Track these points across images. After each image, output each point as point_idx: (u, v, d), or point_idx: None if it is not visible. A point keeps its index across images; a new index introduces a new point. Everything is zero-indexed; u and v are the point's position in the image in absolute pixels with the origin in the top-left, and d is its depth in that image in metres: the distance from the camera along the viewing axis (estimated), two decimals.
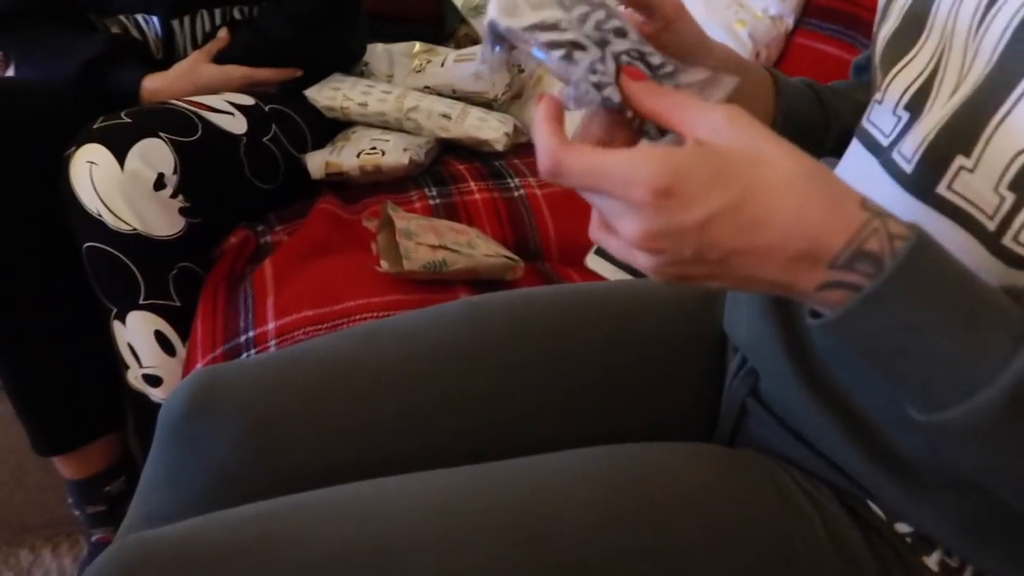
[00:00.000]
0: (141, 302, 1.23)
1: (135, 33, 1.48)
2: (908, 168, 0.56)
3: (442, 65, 1.67)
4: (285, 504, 0.62)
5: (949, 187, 0.53)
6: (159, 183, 1.21)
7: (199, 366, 1.13)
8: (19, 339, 1.30)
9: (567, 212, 1.35)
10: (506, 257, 1.18)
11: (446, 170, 1.49)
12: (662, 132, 0.50)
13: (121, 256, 1.20)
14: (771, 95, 0.71)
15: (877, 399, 0.60)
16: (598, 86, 0.50)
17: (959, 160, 0.52)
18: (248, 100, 1.43)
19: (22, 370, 1.32)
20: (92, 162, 1.17)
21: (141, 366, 1.27)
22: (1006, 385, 0.42)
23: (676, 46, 0.60)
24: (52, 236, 1.25)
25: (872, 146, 0.61)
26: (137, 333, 1.25)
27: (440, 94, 1.63)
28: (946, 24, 0.57)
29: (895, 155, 0.58)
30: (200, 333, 1.19)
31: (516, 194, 1.39)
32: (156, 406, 1.27)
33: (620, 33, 0.51)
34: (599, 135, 0.52)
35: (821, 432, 0.65)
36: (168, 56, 1.49)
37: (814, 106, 0.74)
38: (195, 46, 1.49)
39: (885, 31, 0.64)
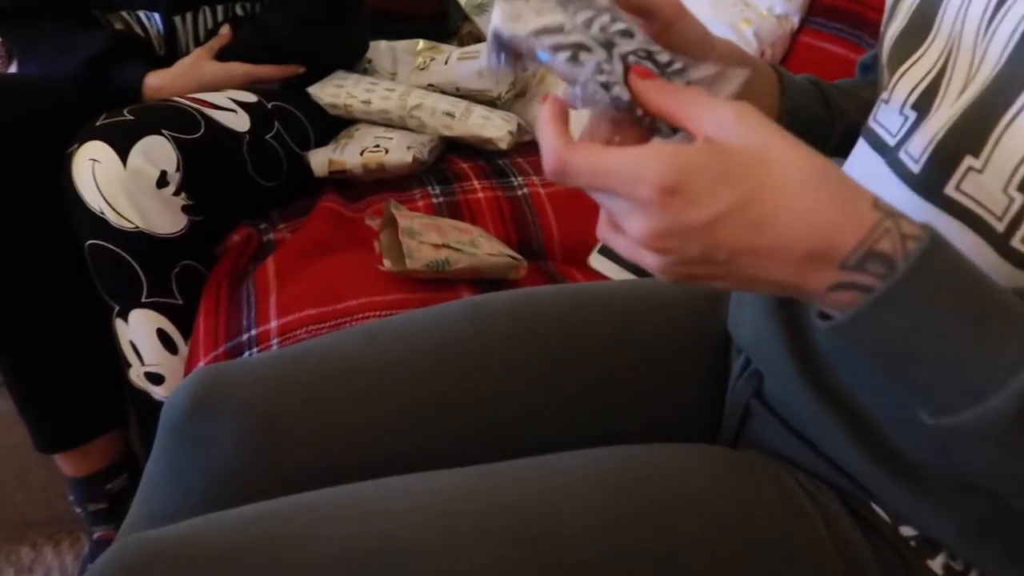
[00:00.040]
0: (143, 300, 1.23)
1: (138, 29, 1.48)
2: (915, 168, 0.56)
3: (446, 63, 1.67)
4: (287, 504, 0.62)
5: (957, 188, 0.53)
6: (162, 181, 1.20)
7: (201, 364, 1.13)
8: (21, 336, 1.30)
9: (571, 211, 1.34)
10: (509, 256, 1.18)
11: (449, 168, 1.49)
12: (674, 130, 0.50)
13: (123, 254, 1.20)
14: (776, 92, 0.70)
15: (883, 400, 0.60)
16: (606, 86, 0.50)
17: (968, 160, 0.52)
18: (251, 97, 1.42)
19: (24, 367, 1.32)
20: (95, 159, 1.17)
21: (143, 364, 1.27)
22: (1018, 390, 0.42)
23: (679, 46, 0.60)
24: (54, 233, 1.25)
25: (878, 146, 0.61)
26: (139, 331, 1.24)
27: (444, 92, 1.63)
28: (954, 24, 0.57)
29: (902, 155, 0.58)
30: (202, 331, 1.19)
31: (520, 193, 1.39)
32: (158, 404, 1.27)
33: (626, 34, 0.50)
34: (608, 134, 0.51)
35: (825, 433, 0.65)
36: (171, 53, 1.49)
37: (819, 103, 0.73)
38: (197, 43, 1.49)
39: (892, 30, 0.63)
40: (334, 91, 1.55)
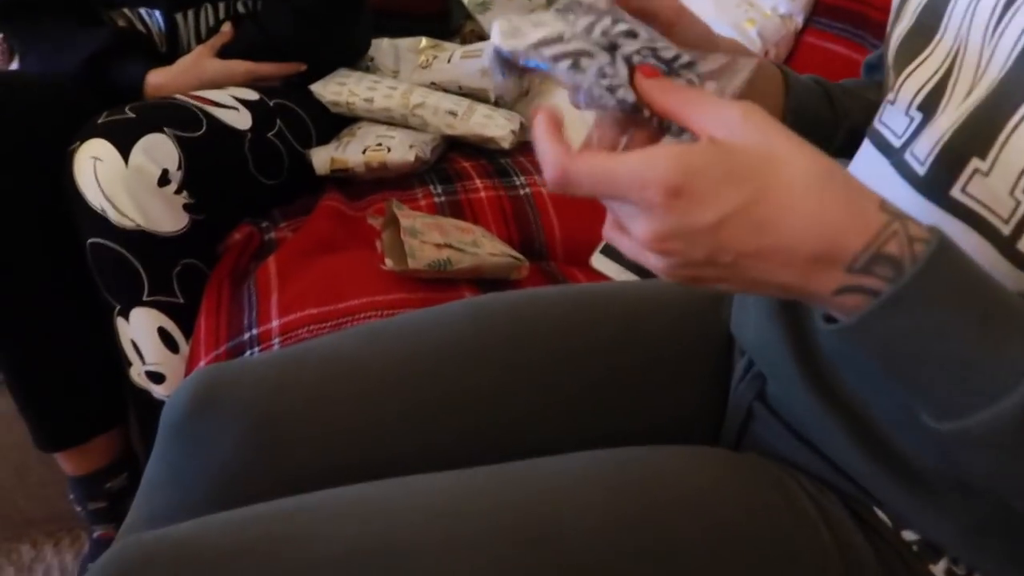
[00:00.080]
0: (145, 299, 1.23)
1: (139, 27, 1.47)
2: (921, 170, 0.55)
3: (448, 61, 1.66)
4: (287, 505, 0.62)
5: (963, 190, 0.52)
6: (163, 179, 1.20)
7: (202, 364, 1.13)
8: (21, 334, 1.30)
9: (573, 211, 1.34)
10: (511, 256, 1.18)
11: (452, 167, 1.48)
12: (683, 129, 0.49)
13: (125, 252, 1.19)
14: (780, 91, 0.70)
15: (886, 403, 0.60)
16: (611, 89, 0.49)
17: (974, 162, 0.51)
18: (253, 95, 1.42)
19: (24, 365, 1.32)
20: (96, 157, 1.17)
21: (144, 363, 1.26)
22: None
23: (681, 45, 0.59)
24: (55, 231, 1.25)
25: (884, 147, 0.61)
26: (140, 330, 1.24)
27: (446, 90, 1.63)
28: (961, 25, 0.56)
29: (907, 156, 0.57)
30: (204, 330, 1.19)
31: (522, 192, 1.39)
32: (159, 403, 1.27)
33: (630, 35, 0.50)
34: (616, 136, 0.51)
35: (828, 436, 0.65)
36: (172, 50, 1.48)
37: (824, 103, 0.73)
38: (199, 40, 1.48)
39: (899, 31, 0.63)
40: (336, 89, 1.55)
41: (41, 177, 1.23)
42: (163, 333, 1.25)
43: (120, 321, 1.24)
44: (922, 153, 0.56)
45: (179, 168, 1.22)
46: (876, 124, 0.63)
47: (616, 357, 0.79)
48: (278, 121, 1.43)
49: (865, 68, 0.81)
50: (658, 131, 0.51)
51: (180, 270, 1.25)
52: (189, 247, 1.26)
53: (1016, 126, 0.49)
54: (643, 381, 0.79)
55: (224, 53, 1.46)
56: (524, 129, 1.56)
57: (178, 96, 1.34)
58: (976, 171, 0.51)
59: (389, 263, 1.14)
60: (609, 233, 0.49)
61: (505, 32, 0.51)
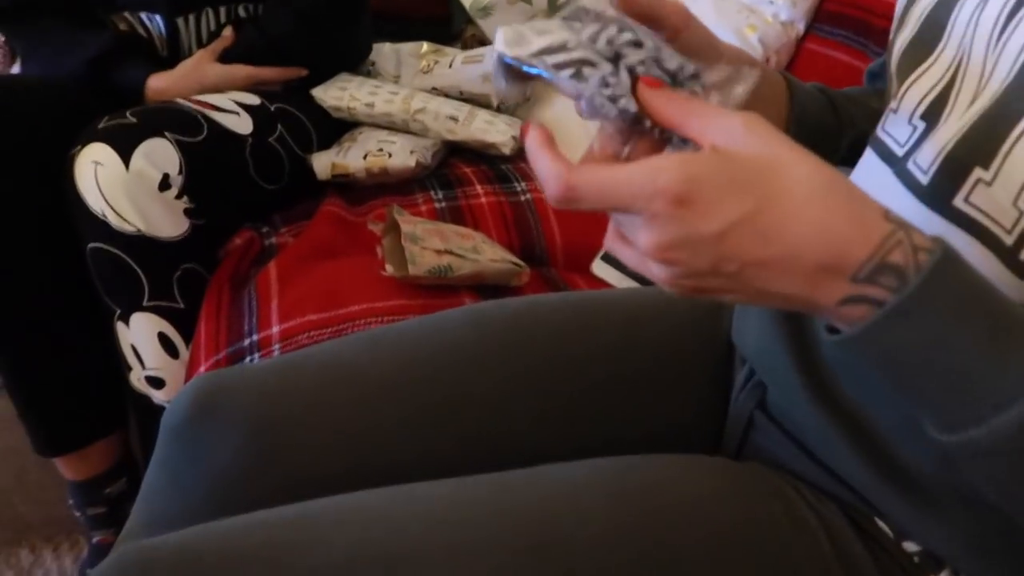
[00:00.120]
0: (145, 304, 1.23)
1: (141, 31, 1.48)
2: (924, 179, 0.55)
3: (450, 66, 1.66)
4: (288, 512, 0.62)
5: (966, 199, 0.52)
6: (164, 183, 1.20)
7: (202, 369, 1.13)
8: (21, 338, 1.30)
9: (574, 217, 1.34)
10: (512, 263, 1.18)
11: (452, 173, 1.48)
12: (685, 140, 0.49)
13: (125, 257, 1.19)
14: (784, 99, 0.70)
15: (889, 413, 0.60)
16: (613, 98, 0.49)
17: (977, 172, 0.51)
18: (254, 99, 1.42)
19: (24, 369, 1.32)
20: (97, 162, 1.17)
21: (144, 368, 1.26)
22: None
23: (686, 53, 0.59)
24: (55, 235, 1.25)
25: (886, 156, 0.61)
26: (140, 335, 1.24)
27: (447, 95, 1.63)
28: (965, 34, 0.56)
29: (910, 165, 0.57)
30: (204, 336, 1.18)
31: (523, 198, 1.39)
32: (159, 408, 1.27)
33: (635, 44, 0.50)
34: (619, 146, 0.51)
35: (829, 446, 0.65)
36: (173, 54, 1.49)
37: (827, 111, 0.73)
38: (200, 45, 1.49)
39: (902, 39, 0.63)
40: (337, 94, 1.55)
41: (42, 181, 1.23)
42: (163, 338, 1.25)
43: (120, 326, 1.24)
44: (925, 162, 0.55)
45: (180, 173, 1.22)
46: (879, 132, 0.63)
47: (616, 364, 0.78)
48: (279, 126, 1.43)
49: (868, 76, 0.81)
50: (659, 142, 0.51)
51: (180, 275, 1.25)
52: (189, 252, 1.26)
53: (1020, 136, 0.49)
54: (643, 389, 0.78)
55: (225, 57, 1.46)
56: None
57: (179, 100, 1.34)
58: (979, 181, 0.51)
59: (389, 269, 1.14)
60: (611, 244, 0.49)
61: (509, 39, 0.51)
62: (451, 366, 0.76)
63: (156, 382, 1.27)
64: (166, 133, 1.22)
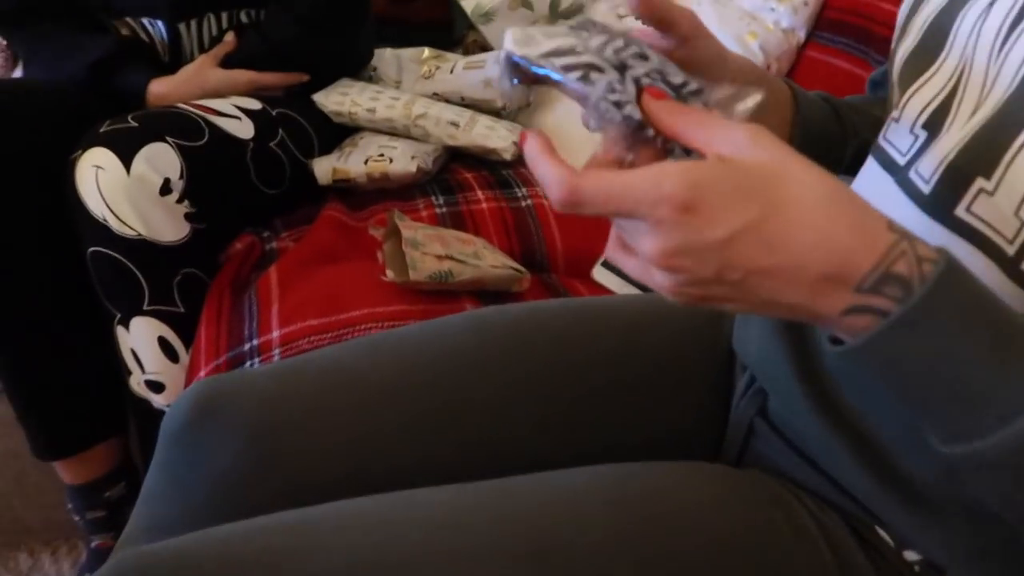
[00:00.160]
0: (145, 308, 1.22)
1: (143, 36, 1.48)
2: (926, 188, 0.55)
3: (451, 72, 1.67)
4: (287, 518, 0.62)
5: (968, 209, 0.52)
6: (165, 188, 1.20)
7: (202, 374, 1.13)
8: (21, 342, 1.30)
9: (574, 223, 1.34)
10: (512, 268, 1.18)
11: (453, 178, 1.49)
12: (687, 151, 0.49)
13: (126, 261, 1.19)
14: (789, 107, 0.70)
15: (891, 422, 0.59)
16: (618, 104, 0.49)
17: (979, 182, 0.51)
18: (255, 104, 1.42)
19: (24, 373, 1.32)
20: (98, 166, 1.17)
21: (144, 372, 1.26)
22: None
23: (694, 61, 0.59)
24: (56, 238, 1.25)
25: (888, 164, 0.61)
26: (140, 339, 1.24)
27: (449, 101, 1.63)
28: (967, 44, 0.56)
29: (912, 175, 0.57)
30: (204, 340, 1.18)
31: (523, 204, 1.39)
32: (158, 412, 1.27)
33: (640, 57, 0.50)
34: (621, 154, 0.51)
35: (830, 455, 0.64)
36: (175, 60, 1.48)
37: (832, 120, 0.73)
38: (202, 50, 1.49)
39: (904, 49, 0.63)
40: (339, 99, 1.55)
41: (43, 184, 1.23)
42: (163, 342, 1.25)
43: (120, 330, 1.24)
44: (927, 172, 0.55)
45: (181, 177, 1.22)
46: (880, 141, 0.63)
47: (617, 371, 0.78)
48: (280, 131, 1.43)
49: (870, 84, 0.81)
50: (662, 152, 0.51)
51: (181, 279, 1.25)
52: (190, 256, 1.26)
53: (1022, 146, 0.49)
54: (644, 395, 0.78)
55: (227, 62, 1.46)
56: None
57: (180, 105, 1.34)
58: (981, 191, 0.51)
59: (390, 274, 1.14)
60: (613, 254, 0.49)
61: (518, 39, 0.51)
62: (452, 372, 0.76)
63: (156, 386, 1.27)
64: (167, 137, 1.22)
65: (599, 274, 1.26)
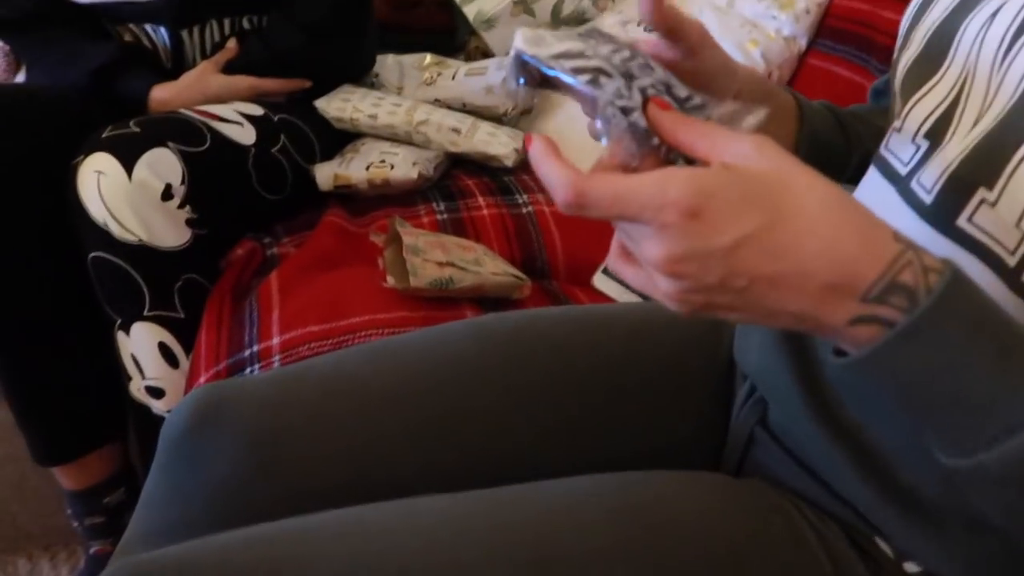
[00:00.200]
0: (146, 313, 1.22)
1: (146, 42, 1.48)
2: (927, 199, 0.55)
3: (453, 78, 1.67)
4: (287, 526, 0.62)
5: (970, 220, 0.52)
6: (167, 193, 1.20)
7: (202, 380, 1.13)
8: (21, 346, 1.30)
9: (575, 230, 1.34)
10: (513, 275, 1.18)
11: (455, 184, 1.49)
12: (690, 161, 0.49)
13: (127, 267, 1.19)
14: (794, 119, 0.70)
15: (892, 434, 0.59)
16: (625, 110, 0.49)
17: (981, 193, 0.51)
18: (257, 110, 1.43)
19: (24, 378, 1.32)
20: (100, 171, 1.17)
21: (144, 378, 1.26)
22: None
23: (701, 72, 0.59)
24: (58, 243, 1.25)
25: (890, 174, 0.61)
26: (141, 344, 1.24)
27: (450, 107, 1.63)
28: (970, 53, 0.56)
29: (914, 185, 0.57)
30: (204, 346, 1.18)
31: (524, 211, 1.39)
32: (158, 418, 1.27)
33: (646, 68, 0.51)
34: (627, 157, 0.51)
35: (831, 465, 0.64)
36: (177, 66, 1.49)
37: (835, 130, 0.73)
38: (204, 56, 1.49)
39: (906, 58, 0.63)
40: (341, 105, 1.56)
41: (45, 189, 1.23)
42: (163, 348, 1.25)
43: (121, 335, 1.24)
44: (929, 182, 0.55)
45: (182, 183, 1.22)
46: (882, 151, 0.63)
47: (618, 379, 0.78)
48: (282, 136, 1.43)
49: (872, 94, 0.81)
50: (665, 162, 0.51)
51: (182, 285, 1.25)
52: (191, 262, 1.26)
53: None
54: (644, 404, 0.78)
55: (229, 68, 1.46)
56: (527, 149, 1.56)
57: (183, 111, 1.34)
58: (983, 201, 0.51)
59: (391, 281, 1.14)
60: (615, 264, 0.49)
61: (529, 39, 0.52)
62: (453, 379, 0.76)
63: (156, 392, 1.27)
64: (169, 143, 1.22)
65: (600, 282, 1.26)
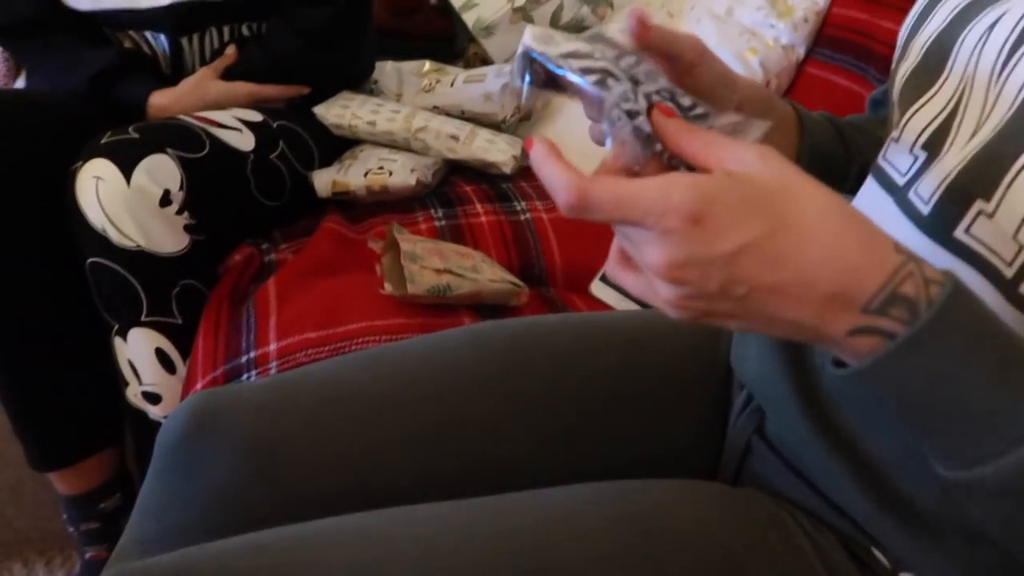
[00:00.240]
0: (143, 319, 1.22)
1: (145, 49, 1.48)
2: (925, 210, 0.55)
3: (452, 85, 1.67)
4: (284, 534, 0.62)
5: (967, 231, 0.52)
6: (165, 199, 1.20)
7: (199, 386, 1.13)
8: (19, 351, 1.29)
9: (573, 237, 1.34)
10: (511, 283, 1.18)
11: (453, 191, 1.49)
12: (692, 169, 0.49)
13: (124, 272, 1.19)
14: (795, 130, 0.70)
15: (890, 445, 0.59)
16: (631, 114, 0.49)
17: (978, 204, 0.51)
18: (256, 116, 1.43)
19: (21, 382, 1.31)
20: (98, 177, 1.17)
21: (141, 383, 1.26)
22: None
23: (702, 86, 0.59)
24: (56, 248, 1.25)
25: (887, 185, 0.61)
26: (138, 350, 1.24)
27: (449, 114, 1.63)
28: (968, 65, 0.56)
29: (911, 195, 0.57)
30: (201, 352, 1.18)
31: (522, 218, 1.39)
32: (155, 424, 1.26)
33: (651, 75, 0.51)
34: (628, 164, 0.50)
35: (829, 475, 0.64)
36: (177, 73, 1.49)
37: (836, 141, 0.73)
38: (204, 63, 1.49)
39: (904, 68, 0.63)
40: (339, 111, 1.56)
41: (44, 194, 1.23)
42: (160, 354, 1.24)
43: (118, 341, 1.24)
44: (926, 192, 0.55)
45: (181, 189, 1.22)
46: (880, 161, 0.63)
47: (616, 386, 0.78)
48: (281, 143, 1.43)
49: (870, 104, 0.81)
50: (667, 168, 0.51)
51: (179, 291, 1.25)
52: (189, 268, 1.26)
53: (1021, 169, 0.49)
54: (643, 411, 0.78)
55: (228, 75, 1.46)
56: (526, 154, 1.56)
57: (182, 116, 1.34)
58: (980, 213, 0.51)
59: (388, 288, 1.14)
60: (613, 270, 0.49)
61: (538, 37, 0.52)
62: (451, 386, 0.76)
63: (153, 398, 1.27)
64: (168, 149, 1.22)
65: (597, 289, 1.26)
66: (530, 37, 0.52)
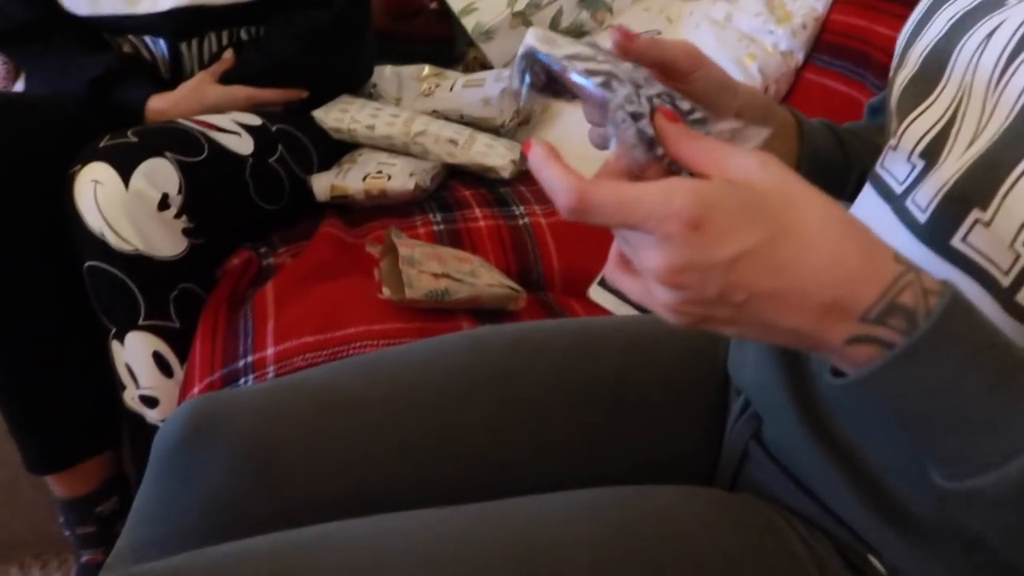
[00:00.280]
0: (141, 323, 1.22)
1: (144, 53, 1.48)
2: (922, 218, 0.55)
3: (451, 89, 1.67)
4: (280, 539, 0.62)
5: (964, 240, 0.52)
6: (163, 203, 1.20)
7: (196, 390, 1.13)
8: (16, 354, 1.29)
9: (571, 242, 1.34)
10: (509, 287, 1.18)
11: (451, 195, 1.49)
12: (692, 174, 0.49)
13: (122, 276, 1.19)
14: (795, 136, 0.70)
15: (887, 452, 0.59)
16: (635, 116, 0.49)
17: (975, 213, 0.51)
18: (255, 120, 1.43)
19: (17, 385, 1.31)
20: (97, 181, 1.17)
21: (138, 387, 1.26)
22: None
23: (700, 94, 0.59)
24: (55, 252, 1.24)
25: (885, 192, 0.61)
26: (135, 354, 1.24)
27: (448, 119, 1.63)
28: (965, 74, 0.56)
29: (909, 204, 0.57)
30: (199, 356, 1.18)
31: (521, 222, 1.39)
32: (152, 427, 1.26)
33: (649, 81, 0.51)
34: (631, 166, 0.50)
35: (825, 482, 0.64)
36: (175, 77, 1.49)
37: (835, 148, 0.73)
38: (202, 67, 1.49)
39: (902, 77, 0.63)
40: (338, 115, 1.56)
41: (42, 198, 1.22)
42: (158, 357, 1.24)
43: (115, 344, 1.24)
44: (923, 201, 0.55)
45: (179, 192, 1.22)
46: (878, 169, 0.63)
47: (614, 392, 0.78)
48: (280, 147, 1.43)
49: (868, 111, 0.81)
50: (669, 172, 0.51)
51: (177, 294, 1.25)
52: (187, 271, 1.25)
53: (1019, 178, 0.49)
54: (641, 416, 0.78)
55: (226, 79, 1.46)
56: (524, 159, 1.56)
57: (180, 120, 1.34)
58: (977, 221, 0.51)
59: (386, 292, 1.14)
60: (612, 274, 0.49)
61: (541, 38, 0.52)
62: (449, 392, 0.76)
63: (150, 401, 1.26)
64: (166, 153, 1.22)
65: (595, 293, 1.26)
66: (533, 38, 0.52)
